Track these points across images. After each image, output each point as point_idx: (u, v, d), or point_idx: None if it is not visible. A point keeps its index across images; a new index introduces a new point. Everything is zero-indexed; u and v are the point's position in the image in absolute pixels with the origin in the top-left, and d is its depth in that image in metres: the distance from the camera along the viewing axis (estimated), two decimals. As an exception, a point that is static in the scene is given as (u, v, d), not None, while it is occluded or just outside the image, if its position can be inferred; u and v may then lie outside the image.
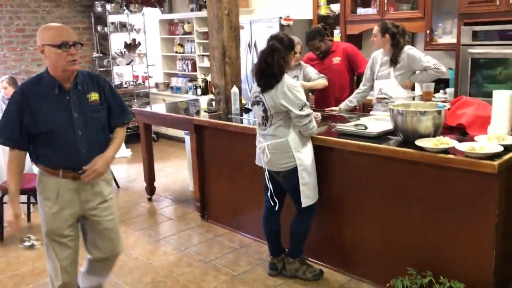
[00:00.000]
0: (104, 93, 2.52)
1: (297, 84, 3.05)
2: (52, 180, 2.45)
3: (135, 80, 8.18)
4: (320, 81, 4.14)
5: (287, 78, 3.03)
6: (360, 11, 5.38)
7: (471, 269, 2.67)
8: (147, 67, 7.85)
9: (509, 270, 2.78)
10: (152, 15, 8.05)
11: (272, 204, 3.24)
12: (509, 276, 2.78)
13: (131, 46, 7.84)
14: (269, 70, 3.00)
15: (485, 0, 4.22)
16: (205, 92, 7.09)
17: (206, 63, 7.26)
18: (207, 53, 7.13)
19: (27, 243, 2.45)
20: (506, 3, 4.11)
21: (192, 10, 7.44)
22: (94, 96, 2.46)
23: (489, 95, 3.69)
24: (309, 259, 3.38)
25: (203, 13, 7.04)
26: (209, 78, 7.06)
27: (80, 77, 2.44)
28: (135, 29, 7.79)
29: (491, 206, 2.56)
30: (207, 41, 6.95)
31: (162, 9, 7.99)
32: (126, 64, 7.89)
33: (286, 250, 3.37)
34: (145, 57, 7.84)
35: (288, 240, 3.30)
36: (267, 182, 3.21)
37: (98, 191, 2.55)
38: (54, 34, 2.32)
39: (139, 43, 7.89)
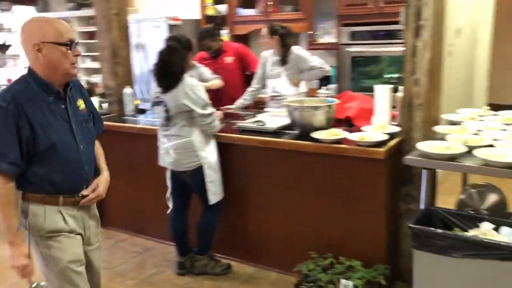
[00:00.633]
0: (87, 100, 2.20)
1: (198, 83, 3.11)
2: (51, 209, 2.02)
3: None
4: (216, 82, 4.24)
5: (188, 78, 3.07)
6: (242, 11, 5.57)
7: (367, 247, 2.95)
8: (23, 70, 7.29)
9: (396, 246, 3.12)
10: (27, 14, 7.48)
11: (170, 206, 3.26)
12: (396, 251, 3.12)
13: (2, 48, 7.23)
14: (170, 71, 3.01)
15: (359, 3, 4.65)
16: (90, 94, 6.78)
17: (89, 64, 6.97)
18: (90, 54, 6.87)
19: None
20: (376, 6, 4.57)
21: (71, 9, 7.06)
22: (82, 104, 2.12)
23: (366, 90, 4.08)
24: (217, 254, 3.45)
25: (83, 12, 6.76)
26: (93, 79, 6.77)
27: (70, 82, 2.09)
28: (5, 29, 7.19)
29: (380, 188, 2.86)
30: (90, 41, 6.71)
31: (37, 7, 7.47)
32: (-1, 67, 7.25)
33: (193, 248, 3.41)
34: (19, 59, 7.28)
35: (195, 238, 3.34)
36: (168, 182, 3.23)
37: (93, 214, 2.21)
38: (58, 29, 1.93)
39: (10, 45, 7.31)
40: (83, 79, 7.02)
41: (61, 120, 2.01)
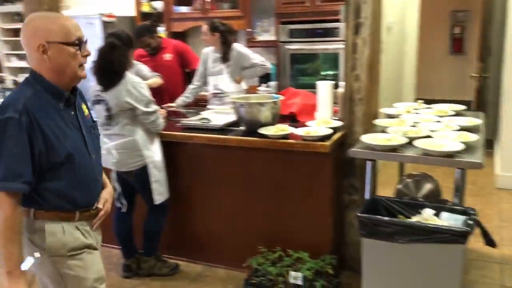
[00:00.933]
0: (87, 104, 2.01)
1: (140, 80, 3.03)
2: (68, 225, 1.84)
3: None
4: (156, 80, 4.15)
5: (130, 76, 2.98)
6: (178, 9, 5.51)
7: (314, 238, 3.02)
8: None
9: (341, 237, 3.22)
10: None
11: (120, 205, 3.18)
12: (342, 242, 3.22)
13: None
14: (110, 68, 2.92)
15: (296, 1, 4.75)
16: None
17: (15, 62, 6.60)
18: (16, 52, 6.53)
19: None
20: (314, 5, 4.69)
21: (-7, 4, 6.65)
22: (86, 110, 1.94)
23: (304, 87, 4.15)
24: (164, 255, 3.39)
25: (7, 8, 6.39)
26: (20, 79, 6.42)
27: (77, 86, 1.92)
28: None
29: (326, 181, 2.94)
30: (15, 38, 6.35)
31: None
32: None
33: (139, 250, 3.33)
34: None
35: (140, 239, 3.27)
36: (115, 184, 3.14)
37: (99, 229, 2.05)
38: (65, 27, 1.73)
39: None
40: (10, 78, 6.66)
41: (73, 128, 1.82)
